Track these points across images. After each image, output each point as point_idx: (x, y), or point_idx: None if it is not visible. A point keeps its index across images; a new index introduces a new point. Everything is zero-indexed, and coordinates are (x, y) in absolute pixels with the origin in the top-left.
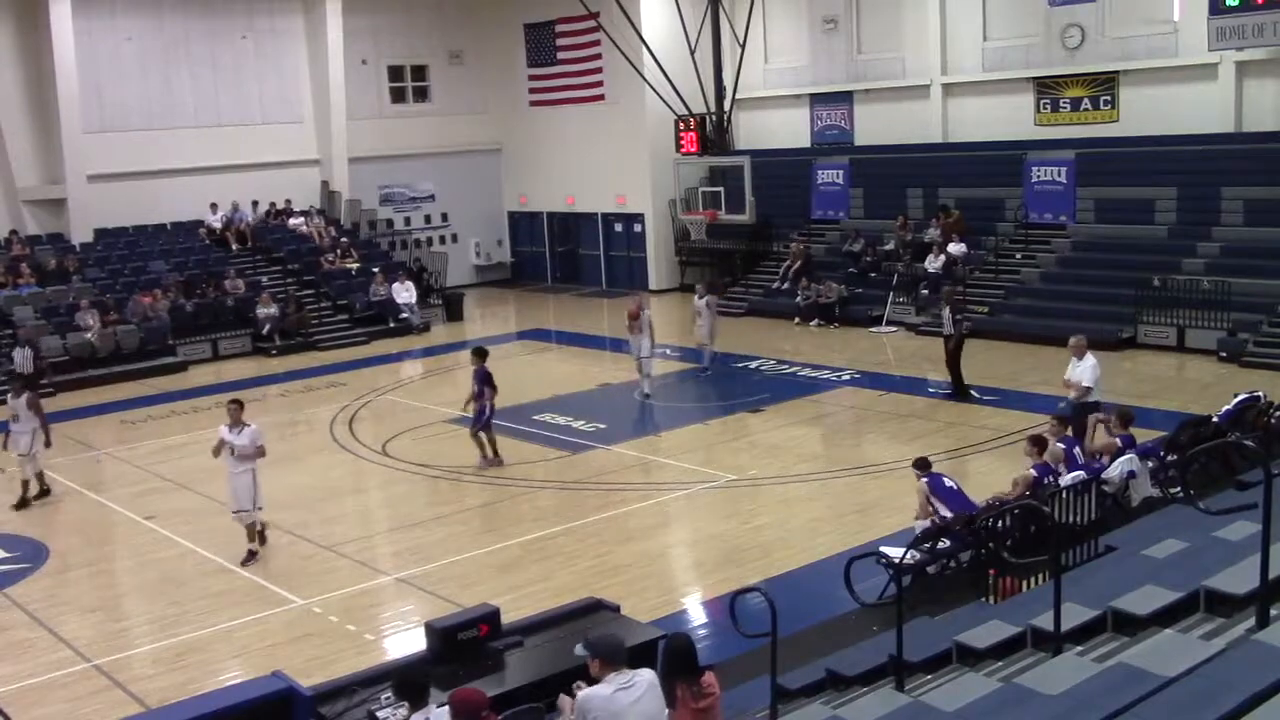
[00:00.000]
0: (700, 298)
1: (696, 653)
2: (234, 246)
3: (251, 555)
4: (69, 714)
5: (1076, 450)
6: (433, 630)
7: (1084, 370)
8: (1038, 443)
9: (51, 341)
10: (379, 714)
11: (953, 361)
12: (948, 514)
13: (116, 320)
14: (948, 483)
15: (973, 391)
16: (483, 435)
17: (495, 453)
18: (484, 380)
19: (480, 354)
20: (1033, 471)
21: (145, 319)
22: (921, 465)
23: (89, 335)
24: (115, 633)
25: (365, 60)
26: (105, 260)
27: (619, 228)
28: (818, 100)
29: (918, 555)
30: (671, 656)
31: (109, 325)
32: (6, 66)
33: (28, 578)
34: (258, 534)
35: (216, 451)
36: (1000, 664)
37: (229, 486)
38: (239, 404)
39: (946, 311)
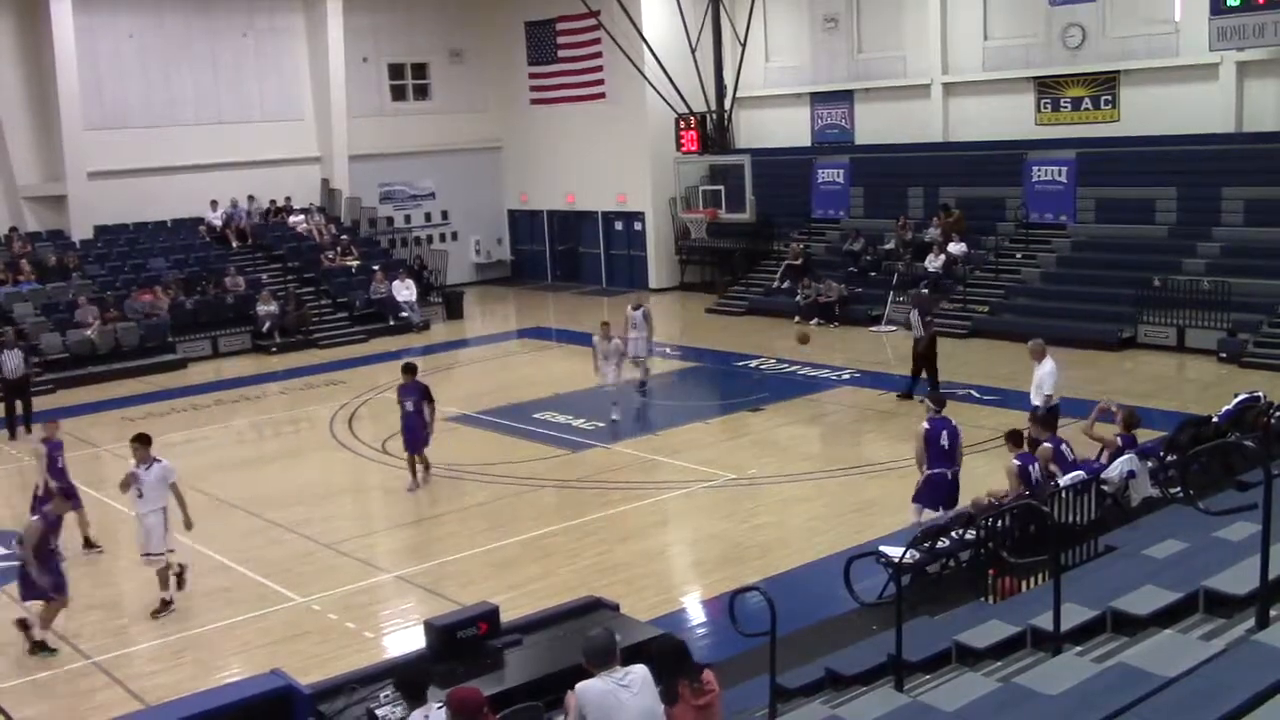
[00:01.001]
0: (635, 309)
1: (690, 651)
2: (234, 244)
3: (165, 605)
4: (69, 711)
5: (1064, 447)
6: (432, 628)
7: (1044, 376)
8: (1013, 438)
9: (51, 338)
10: (378, 712)
11: (927, 362)
12: (925, 469)
13: (116, 317)
14: (944, 440)
15: (966, 393)
16: (418, 455)
17: (415, 475)
18: (424, 396)
19: (411, 370)
20: (1016, 461)
21: (146, 316)
22: (936, 402)
23: (89, 332)
24: (115, 630)
25: (366, 58)
26: (105, 257)
27: (619, 226)
28: (818, 99)
29: (917, 555)
30: (671, 656)
31: (109, 322)
32: (7, 63)
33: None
34: (175, 577)
35: (124, 486)
36: (1000, 664)
37: (137, 527)
38: (142, 440)
39: (914, 314)
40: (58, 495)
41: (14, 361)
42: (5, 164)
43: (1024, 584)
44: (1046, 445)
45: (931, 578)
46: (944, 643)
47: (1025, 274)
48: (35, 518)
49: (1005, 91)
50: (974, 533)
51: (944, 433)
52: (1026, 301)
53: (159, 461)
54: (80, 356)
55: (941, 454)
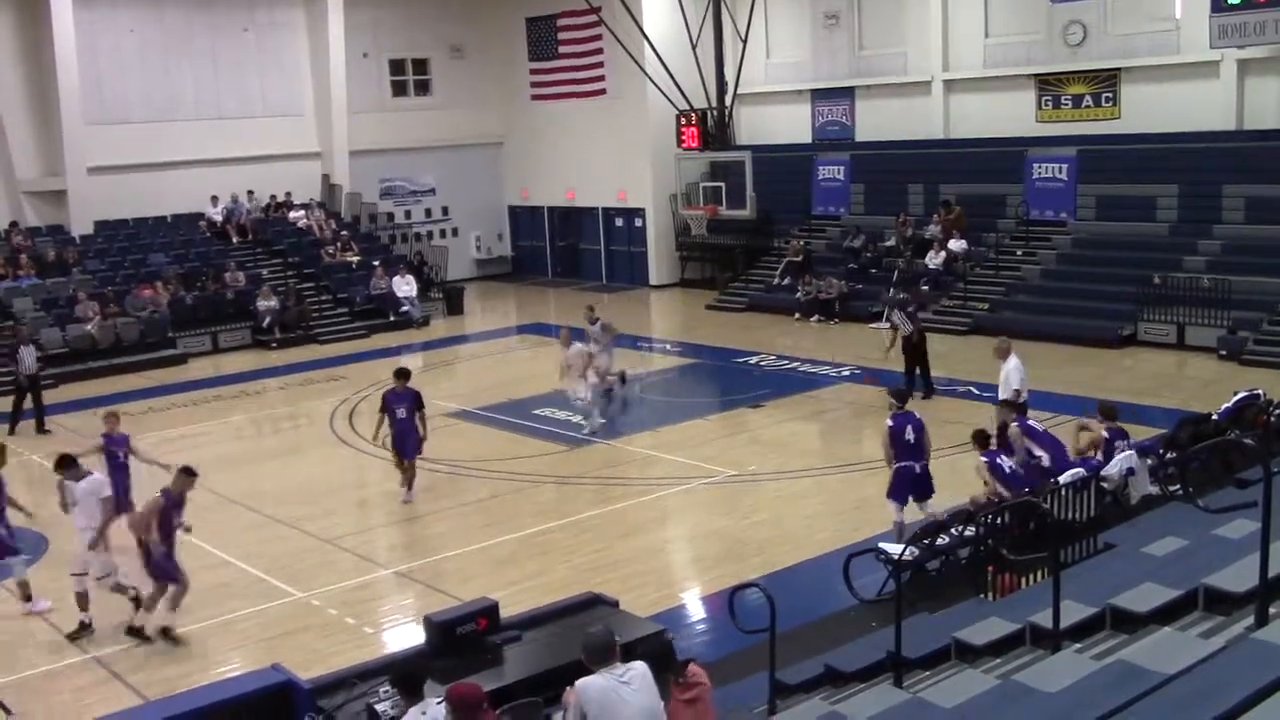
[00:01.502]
0: (592, 322)
1: (674, 648)
2: (234, 239)
3: (83, 627)
4: (69, 706)
5: (1031, 422)
6: (432, 624)
7: (1011, 371)
8: (979, 438)
9: (51, 334)
10: (377, 707)
11: (921, 359)
12: (893, 465)
13: (117, 313)
14: (909, 435)
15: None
16: (410, 461)
17: (408, 482)
18: (417, 403)
19: (404, 375)
20: (983, 459)
21: (146, 312)
22: (899, 397)
23: (89, 327)
24: (114, 625)
25: (366, 53)
26: (105, 252)
27: (620, 222)
28: (819, 96)
29: (916, 551)
30: (654, 659)
31: (109, 317)
32: (7, 58)
33: (27, 570)
34: (129, 595)
35: (63, 505)
36: (999, 661)
37: (75, 541)
38: (63, 463)
39: (897, 313)
40: (178, 472)
41: (29, 358)
42: (5, 158)
43: (1023, 581)
44: (1014, 426)
45: (931, 575)
46: (943, 640)
47: (1025, 271)
48: (158, 494)
49: (1006, 88)
50: (973, 530)
51: (909, 427)
52: (1027, 299)
53: (91, 474)
54: (80, 351)
55: (908, 448)
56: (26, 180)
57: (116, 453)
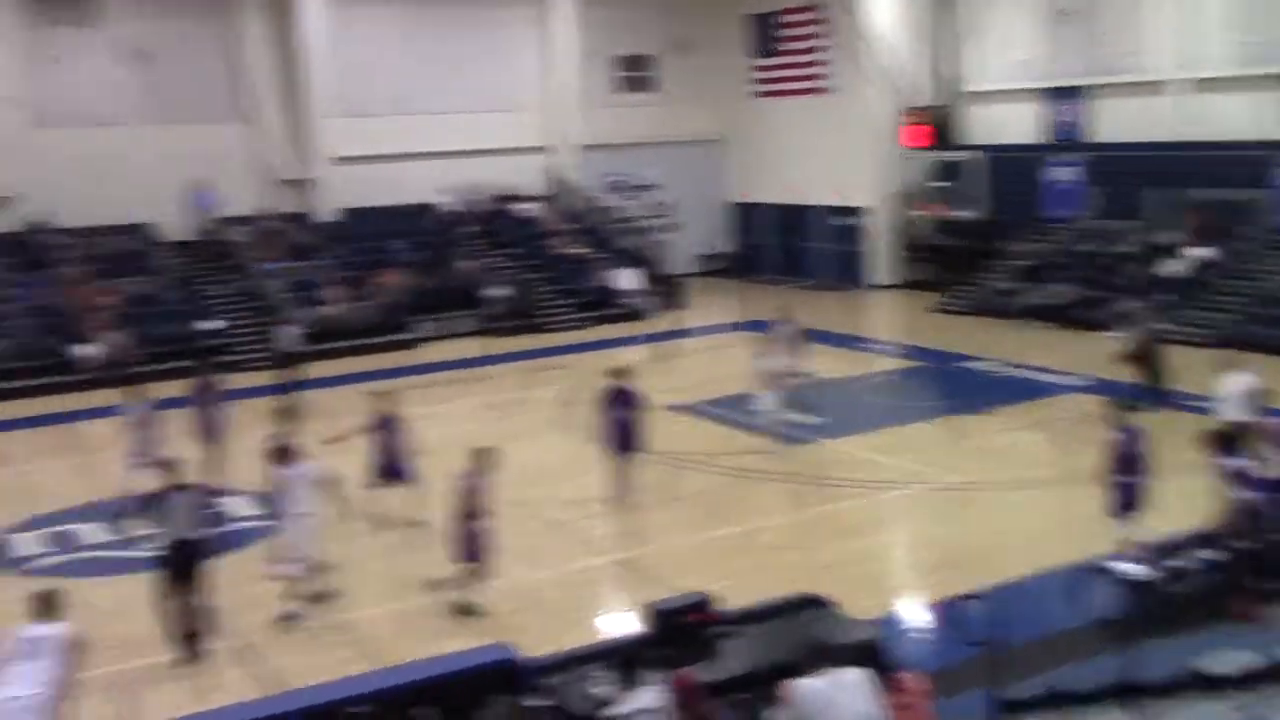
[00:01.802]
0: (783, 323)
1: (881, 655)
2: (466, 229)
3: (289, 616)
4: (318, 663)
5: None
6: (651, 612)
7: (1235, 389)
8: (1215, 440)
9: (298, 315)
10: (596, 690)
11: (1153, 370)
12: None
13: (358, 296)
14: (1132, 448)
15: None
16: (626, 459)
17: (621, 482)
18: (633, 400)
19: (622, 373)
20: (1219, 460)
21: (385, 296)
22: (1121, 408)
23: (334, 309)
24: (351, 592)
25: (593, 50)
26: (347, 239)
27: (841, 221)
28: (1050, 94)
29: (1154, 572)
30: (863, 663)
31: (351, 301)
32: (261, 53)
33: (269, 536)
34: (306, 595)
35: (279, 494)
36: (1243, 694)
37: (290, 530)
38: (277, 453)
39: (1127, 323)
40: (474, 452)
41: (288, 336)
42: (258, 148)
43: (1273, 611)
44: (1267, 420)
45: (1169, 597)
46: (1179, 668)
47: (1275, 283)
48: (462, 475)
49: (1256, 88)
50: (1216, 552)
51: (1132, 440)
52: (1276, 312)
53: (306, 463)
54: (324, 333)
55: (1131, 462)
56: (277, 168)
57: (385, 430)
